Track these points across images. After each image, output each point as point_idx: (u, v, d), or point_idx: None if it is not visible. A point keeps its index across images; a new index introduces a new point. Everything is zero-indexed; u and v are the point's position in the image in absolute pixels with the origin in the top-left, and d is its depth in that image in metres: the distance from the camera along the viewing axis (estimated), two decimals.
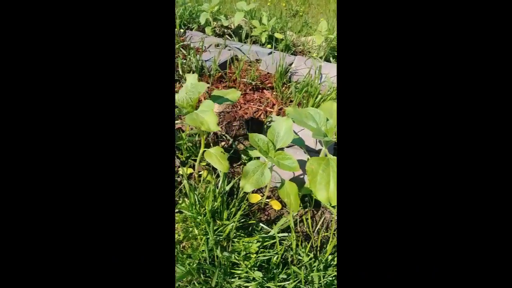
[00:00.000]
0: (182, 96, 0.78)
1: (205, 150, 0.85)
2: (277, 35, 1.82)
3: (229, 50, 1.70)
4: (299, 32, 2.17)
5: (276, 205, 0.95)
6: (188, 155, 1.07)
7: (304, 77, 1.41)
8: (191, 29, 1.94)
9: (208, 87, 1.37)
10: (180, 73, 1.39)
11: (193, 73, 1.42)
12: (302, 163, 0.79)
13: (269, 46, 1.83)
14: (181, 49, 1.50)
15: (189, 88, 0.79)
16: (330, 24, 1.99)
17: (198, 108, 0.77)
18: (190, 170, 1.01)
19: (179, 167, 1.05)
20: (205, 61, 1.51)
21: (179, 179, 1.02)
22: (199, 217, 0.81)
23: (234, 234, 0.80)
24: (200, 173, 1.01)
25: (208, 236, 0.76)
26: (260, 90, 1.41)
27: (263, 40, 1.76)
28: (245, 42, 1.83)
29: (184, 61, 1.46)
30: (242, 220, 0.86)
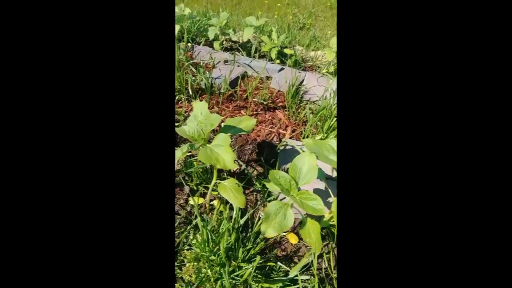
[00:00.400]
0: (193, 127, 0.73)
1: (218, 182, 0.79)
2: (286, 50, 1.78)
3: (238, 66, 1.66)
4: (307, 47, 2.13)
5: (293, 239, 0.89)
6: (198, 182, 1.01)
7: (320, 99, 1.36)
8: (199, 44, 1.91)
9: (219, 107, 1.32)
10: (190, 92, 1.35)
11: (200, 90, 1.37)
12: (319, 192, 0.73)
13: (277, 61, 1.80)
14: (190, 66, 1.46)
15: (200, 119, 0.73)
16: None
17: (212, 142, 0.72)
18: (201, 200, 0.95)
19: (188, 195, 1.00)
20: (215, 78, 1.47)
21: (188, 208, 0.97)
22: (213, 256, 0.75)
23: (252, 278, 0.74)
24: (212, 202, 0.96)
25: (223, 280, 0.70)
26: (272, 110, 1.36)
27: (273, 56, 1.72)
28: (253, 57, 1.79)
29: (194, 78, 1.41)
30: (260, 261, 0.80)
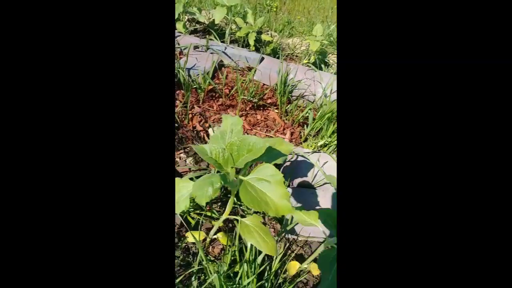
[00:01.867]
0: (218, 148, 0.51)
1: (236, 220, 0.60)
2: (264, 36, 1.58)
3: (212, 53, 1.40)
4: (280, 32, 1.95)
5: (315, 270, 0.76)
6: (191, 207, 0.79)
7: (312, 94, 1.22)
8: None
9: (200, 106, 1.08)
10: None
11: (178, 85, 1.10)
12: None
13: (253, 48, 1.58)
14: None
15: (232, 140, 0.51)
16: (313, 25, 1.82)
17: (249, 174, 0.51)
18: (202, 235, 0.74)
19: (182, 226, 0.77)
20: (187, 69, 1.20)
21: (183, 244, 0.75)
22: None
23: None
24: (215, 236, 0.75)
25: None
26: (262, 109, 1.17)
27: (251, 43, 1.51)
28: (223, 42, 1.54)
29: None
30: None
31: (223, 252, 0.78)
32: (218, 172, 0.54)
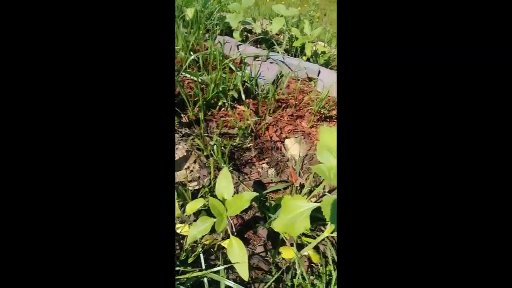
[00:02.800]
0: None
1: None
2: (319, 47, 1.57)
3: (271, 63, 1.40)
4: (329, 43, 1.95)
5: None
6: None
7: None
8: (211, 33, 1.60)
9: (270, 116, 1.07)
10: (225, 102, 1.07)
11: (238, 96, 1.10)
12: None
13: (304, 58, 1.58)
14: (229, 65, 1.16)
15: None
16: None
17: None
18: (292, 251, 0.72)
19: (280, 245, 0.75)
20: (252, 78, 1.20)
21: (275, 259, 0.73)
22: None
23: None
24: (305, 253, 0.73)
25: None
26: (328, 120, 1.15)
27: (308, 53, 1.50)
28: (277, 53, 1.55)
29: (224, 76, 1.13)
30: None
31: (310, 269, 0.75)
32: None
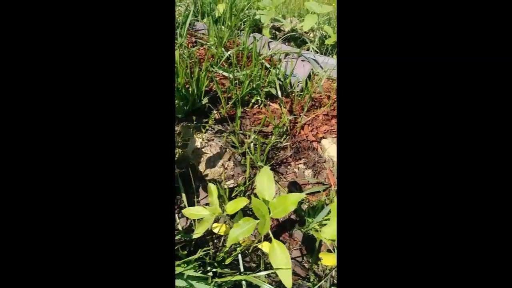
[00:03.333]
0: None
1: None
2: None
3: (303, 61, 1.36)
4: None
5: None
6: None
7: None
8: (240, 30, 1.57)
9: (305, 115, 1.03)
10: (259, 99, 1.03)
11: (276, 93, 1.06)
12: None
13: (334, 56, 1.52)
14: (263, 61, 1.13)
15: None
16: None
17: None
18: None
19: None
20: (290, 76, 1.16)
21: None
22: None
23: None
24: None
25: None
26: None
27: None
28: (309, 50, 1.50)
29: (259, 73, 1.10)
30: None
31: None
32: None
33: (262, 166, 0.84)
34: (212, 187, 0.63)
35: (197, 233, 0.60)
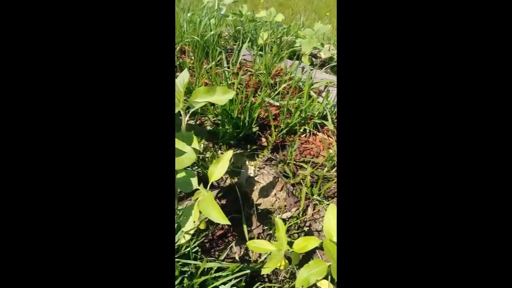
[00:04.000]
0: None
1: None
2: None
3: None
4: None
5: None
6: None
7: None
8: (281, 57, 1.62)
9: None
10: (309, 128, 1.04)
11: (319, 123, 1.07)
12: None
13: None
14: (312, 91, 1.15)
15: None
16: None
17: None
18: None
19: None
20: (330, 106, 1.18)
21: None
22: None
23: None
24: None
25: None
26: None
27: None
28: None
29: (309, 102, 1.11)
30: None
31: None
32: None
33: (319, 200, 0.84)
34: (279, 222, 0.63)
35: (267, 267, 0.60)
